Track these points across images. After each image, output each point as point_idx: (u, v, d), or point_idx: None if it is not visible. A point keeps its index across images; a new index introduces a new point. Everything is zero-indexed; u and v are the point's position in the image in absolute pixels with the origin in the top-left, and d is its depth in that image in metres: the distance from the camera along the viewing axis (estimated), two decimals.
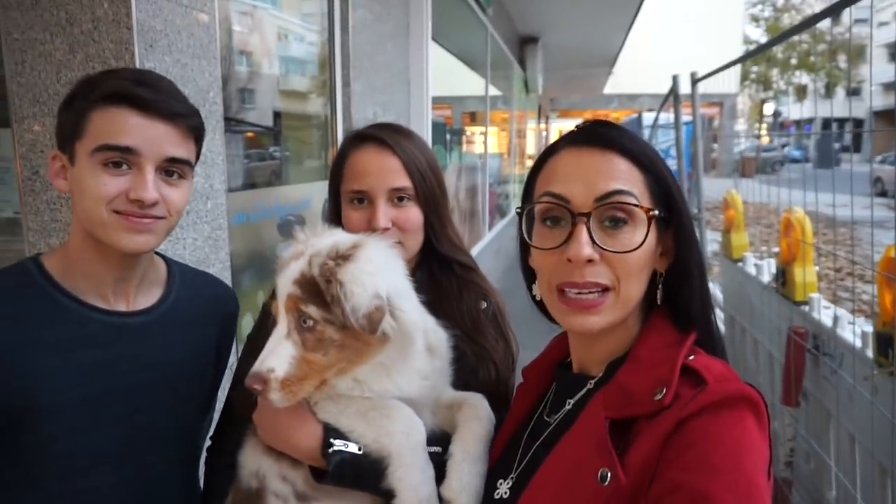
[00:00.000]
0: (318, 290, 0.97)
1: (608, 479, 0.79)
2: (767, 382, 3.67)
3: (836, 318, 2.90)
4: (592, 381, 0.96)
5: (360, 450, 1.03)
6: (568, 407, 0.98)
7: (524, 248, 1.03)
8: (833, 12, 2.57)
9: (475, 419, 1.10)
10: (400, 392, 1.07)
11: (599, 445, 0.83)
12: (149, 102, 1.08)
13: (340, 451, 1.03)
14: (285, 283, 1.01)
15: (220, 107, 2.23)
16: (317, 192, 3.25)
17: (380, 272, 1.00)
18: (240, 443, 1.19)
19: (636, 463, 0.80)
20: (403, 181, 1.27)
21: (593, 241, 0.88)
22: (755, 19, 34.31)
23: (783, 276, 3.46)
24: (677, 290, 0.94)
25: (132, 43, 1.80)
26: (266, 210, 2.82)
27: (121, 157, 1.07)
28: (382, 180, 1.26)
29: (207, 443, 1.40)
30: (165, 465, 1.22)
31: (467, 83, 8.57)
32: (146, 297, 1.22)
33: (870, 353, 2.54)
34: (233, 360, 2.20)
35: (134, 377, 1.16)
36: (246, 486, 1.12)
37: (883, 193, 14.68)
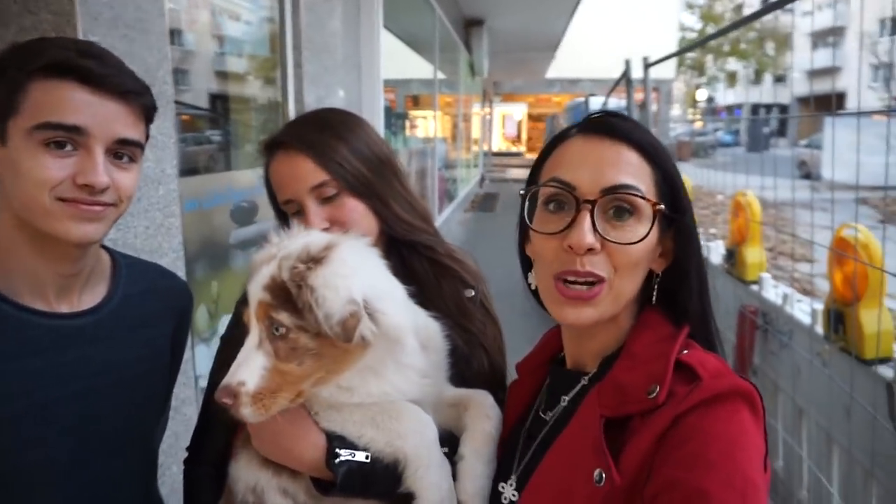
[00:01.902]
0: (290, 296, 0.91)
1: (603, 479, 0.78)
2: None
3: (785, 297, 3.02)
4: (586, 378, 0.95)
5: (367, 458, 0.98)
6: (563, 404, 0.96)
7: (523, 236, 1.00)
8: (787, 2, 2.64)
9: (484, 418, 1.06)
10: (400, 393, 1.01)
11: (595, 445, 0.81)
12: (99, 77, 0.96)
13: (348, 460, 0.97)
14: (256, 289, 0.94)
15: (171, 87, 2.09)
16: None
17: (355, 274, 0.93)
18: (220, 450, 1.12)
19: (632, 461, 0.79)
20: (320, 176, 1.17)
21: (595, 230, 0.86)
22: (690, 6, 35.37)
23: (734, 258, 3.58)
24: (675, 289, 0.93)
25: (74, 15, 1.65)
26: (219, 196, 2.70)
27: (66, 137, 0.94)
28: (299, 183, 1.18)
29: (185, 454, 1.31)
30: (122, 472, 1.13)
31: (413, 66, 8.47)
32: (92, 296, 1.10)
33: (819, 329, 2.66)
34: (188, 356, 2.10)
35: (83, 383, 1.06)
36: (242, 501, 1.04)
37: (808, 175, 15.52)
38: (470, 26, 11.75)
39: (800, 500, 2.82)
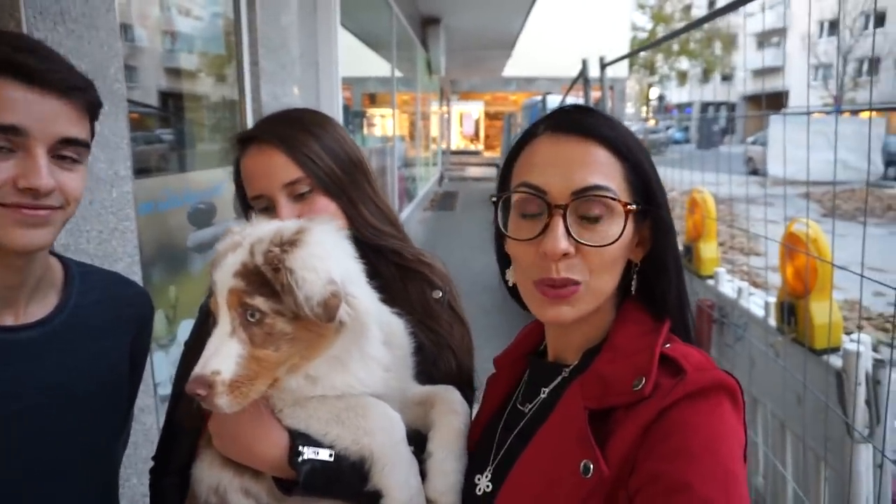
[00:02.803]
0: (265, 281, 0.89)
1: (591, 470, 0.79)
2: None
3: (740, 290, 3.12)
4: (567, 370, 0.95)
5: (331, 456, 0.96)
6: (543, 396, 0.96)
7: (499, 235, 0.99)
8: (738, 6, 2.71)
9: (451, 413, 1.05)
10: (363, 386, 1.00)
11: (580, 436, 0.82)
12: (37, 73, 0.89)
13: (311, 459, 0.95)
14: (224, 277, 0.91)
15: (123, 85, 2.02)
16: (227, 179, 3.05)
17: (331, 256, 0.93)
18: (185, 459, 1.08)
19: (617, 454, 0.79)
20: (293, 173, 1.15)
21: (569, 234, 0.86)
22: (641, 7, 36.16)
23: (690, 253, 3.68)
24: (653, 281, 0.94)
25: (18, 8, 1.57)
26: (175, 198, 2.61)
27: (3, 139, 0.88)
28: (272, 179, 1.16)
29: (150, 463, 1.25)
30: (78, 490, 1.06)
31: (369, 63, 8.40)
32: (40, 307, 1.03)
33: (772, 321, 2.75)
34: (147, 363, 2.03)
35: (27, 401, 0.98)
36: (205, 503, 1.01)
37: (755, 172, 16.06)
38: (427, 24, 11.74)
39: (756, 486, 2.91)
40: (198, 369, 0.88)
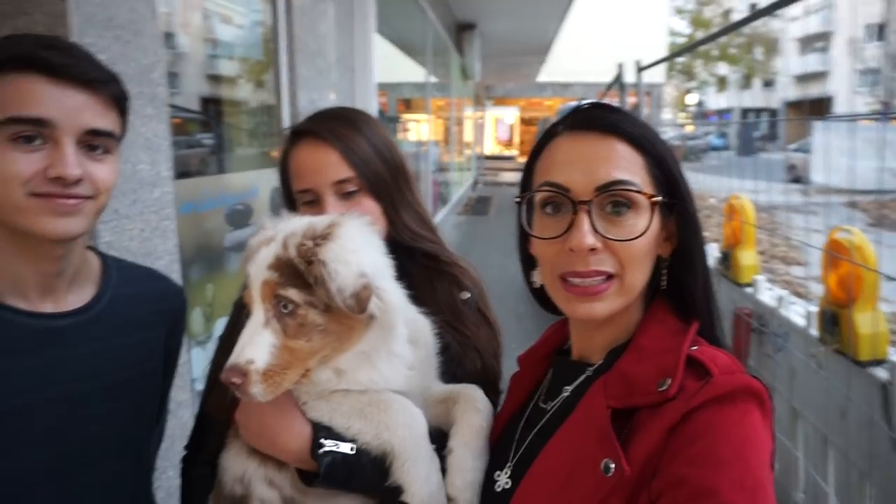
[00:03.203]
0: (298, 273, 0.91)
1: (612, 469, 0.78)
2: None
3: (780, 299, 3.03)
4: (591, 369, 0.94)
5: (352, 449, 0.97)
6: (565, 394, 0.95)
7: (523, 236, 0.99)
8: (776, 8, 2.66)
9: (473, 411, 1.05)
10: (386, 382, 1.01)
11: (601, 435, 0.81)
12: (60, 67, 0.93)
13: (332, 451, 0.96)
14: (258, 270, 0.93)
15: (165, 89, 2.08)
16: (264, 181, 3.11)
17: (361, 249, 0.95)
18: (216, 450, 1.10)
19: (639, 455, 0.78)
20: (345, 172, 1.17)
21: (595, 230, 0.85)
22: (679, 11, 35.65)
23: (728, 260, 3.60)
24: (681, 277, 0.92)
25: (67, 16, 1.63)
26: (214, 199, 2.67)
27: (33, 131, 0.91)
28: (323, 175, 1.18)
29: (182, 452, 1.29)
30: (106, 482, 1.09)
31: (404, 69, 8.47)
32: (77, 297, 1.07)
33: (813, 331, 2.67)
34: (185, 359, 2.07)
35: (64, 387, 1.02)
36: (229, 492, 1.04)
37: (797, 179, 15.65)
38: (462, 30, 11.78)
39: (796, 502, 2.82)
40: (233, 358, 0.90)
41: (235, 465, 1.04)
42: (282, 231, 0.97)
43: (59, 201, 0.94)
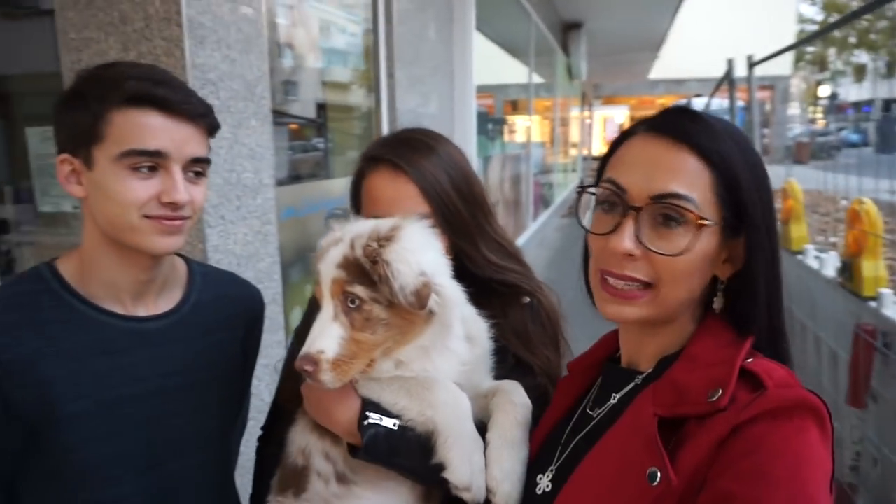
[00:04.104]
0: (364, 271, 0.99)
1: (658, 478, 0.76)
2: (831, 382, 3.51)
3: None
4: (640, 377, 0.93)
5: (395, 425, 1.03)
6: (613, 402, 0.94)
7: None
8: None
9: (510, 404, 1.08)
10: (436, 371, 1.07)
11: (648, 443, 0.79)
12: (173, 104, 1.05)
13: (375, 424, 1.03)
14: (328, 268, 1.02)
15: (269, 101, 2.23)
16: None
17: (421, 250, 1.02)
18: (286, 434, 1.19)
19: (687, 466, 0.76)
20: (420, 208, 1.18)
21: (638, 238, 0.85)
22: None
23: (849, 270, 3.29)
24: (737, 300, 0.89)
25: (182, 39, 1.80)
26: (313, 204, 2.83)
27: (151, 162, 1.04)
28: (399, 209, 1.17)
29: (259, 433, 1.41)
30: (191, 471, 1.19)
31: (509, 71, 8.46)
32: (166, 301, 1.19)
33: None
34: (266, 361, 2.21)
35: (152, 383, 1.13)
36: (292, 462, 1.13)
37: None
38: (568, 30, 11.57)
39: None
40: (305, 348, 0.99)
41: (300, 438, 1.14)
42: (349, 233, 1.05)
43: (168, 223, 1.07)
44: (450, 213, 1.21)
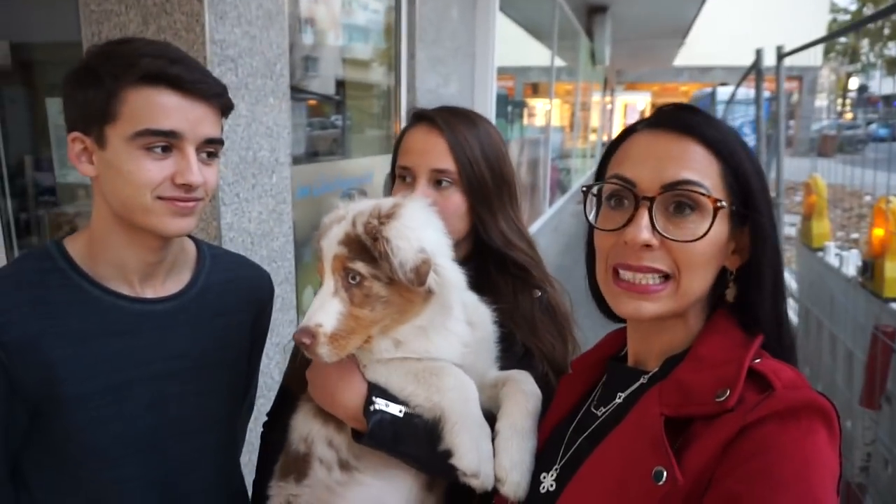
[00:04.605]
0: (365, 248, 1.00)
1: (664, 478, 0.75)
2: (845, 381, 3.47)
3: None
4: (646, 376, 0.92)
5: (401, 412, 1.03)
6: (618, 401, 0.93)
7: (590, 231, 0.99)
8: None
9: (520, 393, 1.07)
10: (439, 352, 1.07)
11: (654, 443, 0.78)
12: (189, 83, 1.02)
13: (381, 410, 1.02)
14: (330, 245, 1.02)
15: (287, 79, 2.21)
16: (378, 166, 3.23)
17: (422, 228, 1.03)
18: (291, 419, 1.20)
19: (693, 466, 0.75)
20: (446, 164, 1.24)
21: (654, 227, 0.84)
22: None
23: (871, 270, 3.23)
24: (746, 292, 0.88)
25: (203, 14, 1.78)
26: (329, 184, 2.82)
27: (165, 142, 1.01)
28: (425, 159, 1.25)
29: (264, 419, 1.41)
30: (196, 454, 1.19)
31: (531, 53, 8.33)
32: (174, 283, 1.18)
33: None
34: (277, 340, 2.22)
35: (159, 365, 1.12)
36: (295, 449, 1.14)
37: None
38: (593, 13, 11.35)
39: None
40: (304, 321, 1.00)
41: (303, 425, 1.15)
42: (352, 210, 1.05)
43: (181, 204, 1.05)
44: (475, 177, 1.25)
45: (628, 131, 0.94)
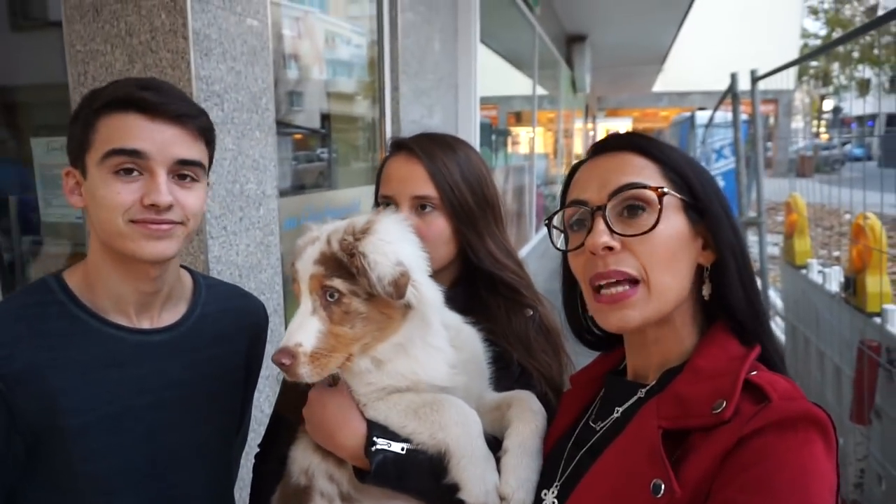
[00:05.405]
0: (341, 265, 0.99)
1: (662, 490, 0.76)
2: (834, 397, 3.49)
3: None
4: (644, 390, 0.93)
5: (403, 450, 1.01)
6: (616, 415, 0.95)
7: (565, 267, 1.04)
8: None
9: (528, 412, 1.07)
10: (427, 374, 1.06)
11: (652, 455, 0.79)
12: (153, 105, 1.05)
13: (383, 450, 1.01)
14: (305, 265, 1.02)
15: (273, 113, 2.24)
16: (365, 196, 3.25)
17: (398, 242, 1.03)
18: (286, 450, 1.18)
19: (691, 478, 0.76)
20: (427, 190, 1.26)
21: (611, 230, 0.89)
22: (814, 11, 32.94)
23: (853, 286, 3.28)
24: (718, 285, 0.91)
25: (188, 52, 1.81)
26: (316, 215, 2.83)
27: (131, 162, 1.03)
28: (405, 187, 1.27)
29: (255, 450, 1.39)
30: (193, 482, 1.19)
31: (513, 83, 8.49)
32: (171, 314, 1.19)
33: None
34: (267, 372, 2.20)
35: (157, 395, 1.13)
36: (295, 482, 1.12)
37: None
38: (572, 42, 11.62)
39: None
40: (283, 341, 0.99)
41: (302, 457, 1.13)
42: (325, 230, 1.06)
43: (153, 227, 1.06)
44: (457, 200, 1.27)
45: (576, 166, 1.02)
